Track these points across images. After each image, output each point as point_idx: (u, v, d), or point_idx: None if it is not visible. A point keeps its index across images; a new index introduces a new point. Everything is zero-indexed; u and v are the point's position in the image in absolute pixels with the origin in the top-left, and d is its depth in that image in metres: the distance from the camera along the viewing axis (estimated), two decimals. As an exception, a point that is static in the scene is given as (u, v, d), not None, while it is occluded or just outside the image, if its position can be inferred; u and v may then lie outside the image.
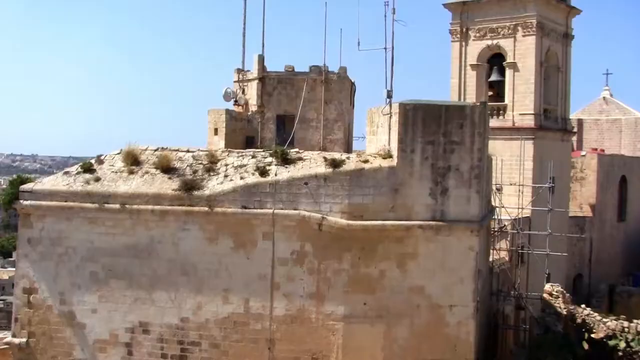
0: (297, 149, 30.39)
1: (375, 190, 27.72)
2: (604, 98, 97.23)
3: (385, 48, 30.59)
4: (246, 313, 28.24)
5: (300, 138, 35.96)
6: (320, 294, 27.93)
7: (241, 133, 36.47)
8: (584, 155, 70.05)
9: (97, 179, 29.72)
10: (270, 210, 27.87)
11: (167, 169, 29.47)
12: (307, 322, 28.04)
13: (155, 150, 30.59)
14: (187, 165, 29.46)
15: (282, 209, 27.89)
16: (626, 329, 39.16)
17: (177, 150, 30.49)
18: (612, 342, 34.95)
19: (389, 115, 28.92)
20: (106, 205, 28.99)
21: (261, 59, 36.75)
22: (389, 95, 30.02)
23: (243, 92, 37.69)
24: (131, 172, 29.75)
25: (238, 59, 38.34)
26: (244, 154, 29.94)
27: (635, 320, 40.71)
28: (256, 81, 36.63)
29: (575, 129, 75.17)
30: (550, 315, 36.47)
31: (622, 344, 34.58)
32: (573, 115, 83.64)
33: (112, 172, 30.00)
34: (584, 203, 66.85)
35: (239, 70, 38.14)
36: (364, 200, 27.71)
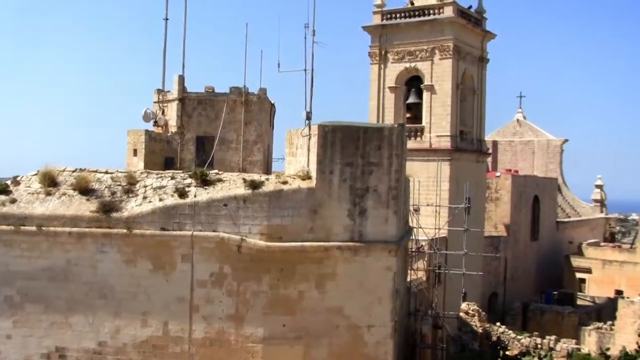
0: (216, 170, 30.34)
1: (294, 211, 27.87)
2: (517, 120, 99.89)
3: (305, 70, 30.92)
4: (165, 336, 27.95)
5: (220, 159, 35.98)
6: (240, 316, 27.88)
7: (161, 154, 36.28)
8: (498, 176, 71.68)
9: (13, 201, 29.10)
10: (190, 232, 27.75)
11: (85, 190, 29.06)
12: (226, 345, 27.93)
13: (74, 172, 30.15)
14: (106, 187, 29.13)
15: (201, 230, 27.78)
16: (539, 346, 40.26)
17: (96, 171, 30.10)
18: (526, 359, 35.79)
19: (308, 136, 29.17)
20: (22, 227, 28.40)
21: (181, 79, 36.71)
22: (308, 117, 30.30)
23: (163, 112, 37.54)
24: (48, 194, 29.24)
25: (158, 80, 38.20)
26: (163, 175, 29.75)
27: (547, 337, 41.92)
28: (176, 102, 36.55)
29: (490, 150, 77.01)
30: (467, 334, 37.17)
31: (536, 361, 35.48)
32: (488, 137, 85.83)
33: (29, 193, 29.43)
34: (498, 223, 68.33)
35: (159, 91, 37.98)
36: (283, 222, 27.82)
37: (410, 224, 37.83)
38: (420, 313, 41.42)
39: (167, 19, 37.54)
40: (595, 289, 74.60)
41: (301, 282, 27.97)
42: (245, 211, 27.80)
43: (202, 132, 36.61)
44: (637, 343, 35.92)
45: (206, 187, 28.54)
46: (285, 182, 28.44)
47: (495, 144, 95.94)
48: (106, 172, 29.98)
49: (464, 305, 40.71)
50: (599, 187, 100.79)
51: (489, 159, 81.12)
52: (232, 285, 27.82)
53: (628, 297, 62.68)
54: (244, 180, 28.59)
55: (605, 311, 65.58)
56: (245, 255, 27.66)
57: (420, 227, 40.41)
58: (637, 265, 71.45)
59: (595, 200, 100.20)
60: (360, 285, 28.35)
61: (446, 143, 56.15)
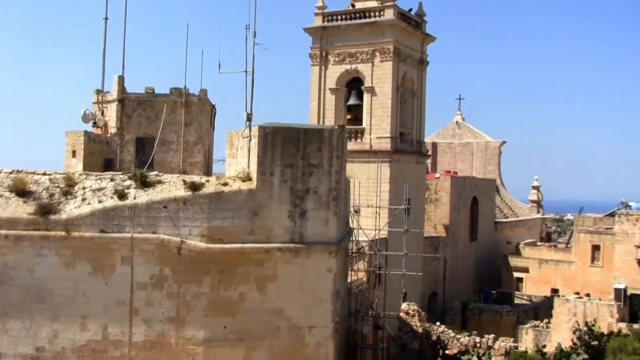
0: (156, 172, 30.21)
1: (234, 213, 27.89)
2: (456, 122, 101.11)
3: (246, 71, 30.90)
4: (105, 340, 27.69)
5: (160, 161, 35.77)
6: (180, 318, 27.79)
7: (100, 155, 35.91)
8: (438, 177, 72.47)
9: (-53, 203, 28.56)
10: (129, 234, 27.56)
11: (22, 192, 28.61)
12: (167, 348, 27.80)
13: (10, 173, 29.65)
14: (44, 189, 28.74)
15: (141, 232, 27.61)
16: (478, 344, 40.82)
17: (33, 173, 29.66)
18: (465, 357, 36.33)
19: (249, 138, 29.21)
20: (-44, 230, 27.87)
21: (121, 80, 36.40)
22: (249, 118, 30.29)
23: (102, 113, 37.17)
24: (-17, 196, 28.74)
25: (98, 80, 37.80)
26: (102, 176, 29.48)
27: (486, 336, 42.53)
28: (116, 103, 36.23)
29: (429, 152, 77.67)
30: (407, 334, 37.56)
31: (475, 359, 35.95)
32: (428, 139, 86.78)
33: (-37, 195, 28.89)
34: (438, 223, 69.09)
35: (99, 92, 37.60)
36: (224, 223, 27.82)
37: (351, 225, 38.05)
38: (360, 314, 41.65)
39: (106, 19, 37.23)
40: (532, 287, 75.90)
41: (242, 283, 28.01)
42: (185, 213, 27.73)
43: (142, 133, 36.34)
44: (572, 340, 36.77)
45: (146, 188, 28.38)
46: (225, 184, 28.44)
47: (434, 145, 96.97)
48: (44, 174, 29.56)
49: (404, 306, 41.11)
50: (536, 188, 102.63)
51: (429, 161, 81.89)
52: (172, 288, 27.72)
53: (563, 296, 63.90)
54: (184, 181, 28.50)
55: (542, 309, 66.79)
56: (186, 257, 27.59)
57: (361, 228, 40.69)
58: (572, 264, 72.88)
59: (532, 201, 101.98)
60: (301, 287, 28.49)
61: (386, 145, 56.54)
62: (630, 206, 72.74)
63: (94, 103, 37.69)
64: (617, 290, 61.31)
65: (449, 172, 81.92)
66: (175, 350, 27.82)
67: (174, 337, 27.81)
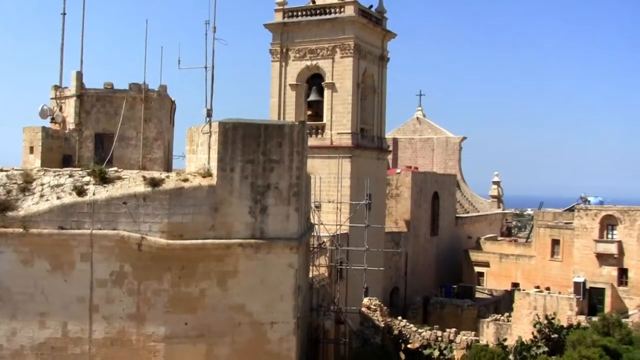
0: (115, 168, 29.96)
1: (195, 209, 27.79)
2: (417, 118, 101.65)
3: (206, 67, 30.75)
4: (64, 337, 27.43)
5: (119, 157, 35.48)
6: (141, 315, 27.62)
7: (58, 151, 35.51)
8: (399, 173, 72.77)
9: None
10: (88, 231, 27.31)
11: (-22, 189, 28.25)
12: (127, 345, 27.62)
13: (-34, 170, 29.28)
14: (1, 185, 28.33)
15: (100, 229, 27.38)
16: (439, 338, 41.06)
17: (-10, 169, 29.32)
18: (426, 351, 36.54)
19: (209, 134, 29.08)
20: None
21: (79, 75, 35.99)
22: (209, 114, 30.15)
23: (60, 109, 36.76)
24: (-62, 193, 28.31)
25: (56, 76, 37.38)
26: (60, 173, 29.17)
27: (447, 330, 42.79)
28: (74, 98, 35.83)
29: (390, 148, 78.07)
30: (369, 328, 37.67)
31: (436, 353, 36.24)
32: (389, 135, 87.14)
33: None
34: (399, 219, 69.42)
35: (57, 87, 37.17)
36: (184, 220, 27.70)
37: (312, 221, 38.10)
38: (322, 309, 41.75)
39: (64, 14, 36.84)
40: (493, 282, 76.63)
41: (203, 280, 27.93)
42: (145, 209, 27.55)
43: (101, 129, 36.00)
44: (533, 333, 37.13)
45: (105, 185, 28.15)
46: (186, 180, 28.32)
47: (395, 141, 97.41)
48: (1, 170, 29.21)
49: (365, 300, 41.23)
50: (496, 183, 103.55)
51: (390, 156, 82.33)
52: (132, 284, 27.54)
53: (524, 290, 64.66)
54: (144, 177, 28.31)
55: (503, 303, 67.49)
56: (146, 254, 27.43)
57: (322, 224, 40.77)
58: (532, 258, 73.69)
59: (493, 196, 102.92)
60: (262, 282, 28.47)
61: (347, 140, 56.70)
62: (589, 201, 73.68)
63: (52, 99, 37.25)
64: (576, 284, 62.19)
65: (410, 167, 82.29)
66: (136, 347, 27.66)
67: (134, 334, 27.64)
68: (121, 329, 27.59)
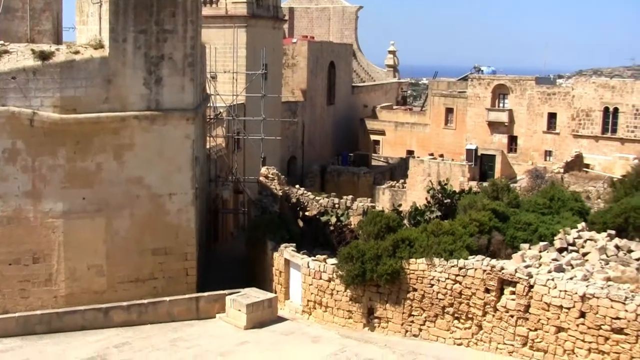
0: (2, 42, 28.81)
1: (87, 82, 27.22)
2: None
3: None
4: (-43, 216, 27.02)
5: (5, 30, 33.95)
6: (37, 192, 27.30)
7: (-62, 25, 33.80)
8: (295, 43, 72.18)
9: None
10: (-24, 107, 26.49)
11: None
12: (25, 222, 27.36)
13: None
14: None
15: (-11, 105, 26.58)
16: (336, 205, 41.96)
17: None
18: (324, 218, 37.22)
19: (99, 3, 28.17)
20: None
21: (-45, -57, 33.97)
22: (97, -17, 29.12)
23: (-64, -20, 34.78)
24: None
25: None
26: (-58, 47, 27.96)
27: (344, 197, 43.69)
28: (-50, -32, 33.89)
29: (286, 17, 77.15)
30: (267, 197, 38.09)
31: (333, 219, 36.95)
32: (284, 4, 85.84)
33: None
34: (295, 88, 69.38)
35: None
36: (77, 93, 27.13)
37: (208, 92, 37.86)
38: (221, 179, 42.09)
39: None
40: (388, 150, 77.92)
41: (98, 154, 27.70)
42: (35, 83, 26.81)
43: (-17, 1, 34.33)
44: (427, 199, 38.12)
45: (-9, 59, 27.11)
46: (77, 52, 27.60)
47: (291, 10, 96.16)
48: None
49: (263, 170, 41.50)
50: (392, 52, 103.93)
51: (286, 26, 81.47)
52: (26, 161, 27.08)
53: (418, 157, 66.15)
54: (33, 51, 27.41)
55: (398, 170, 68.96)
56: (39, 130, 26.90)
57: (218, 94, 40.56)
58: (427, 126, 75.09)
59: (388, 66, 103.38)
60: (159, 155, 28.44)
61: (242, 9, 55.71)
62: (482, 70, 74.98)
63: None
64: (468, 151, 64.05)
65: (306, 37, 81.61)
66: (34, 225, 27.45)
67: (31, 212, 27.39)
68: (17, 207, 27.26)
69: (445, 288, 24.91)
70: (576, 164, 58.04)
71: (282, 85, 63.64)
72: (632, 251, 25.52)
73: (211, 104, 39.25)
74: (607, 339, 21.24)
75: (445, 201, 36.89)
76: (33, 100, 26.79)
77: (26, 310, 27.06)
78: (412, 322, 25.74)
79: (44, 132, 26.98)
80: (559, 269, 23.37)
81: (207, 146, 39.12)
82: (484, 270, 24.00)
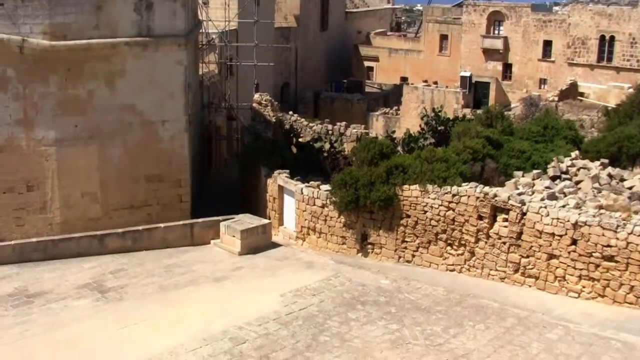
0: (-11, -33, 28.30)
1: (77, 8, 26.78)
2: None
3: None
4: (-49, 144, 26.92)
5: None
6: (29, 120, 27.14)
7: None
8: (288, -33, 71.04)
9: None
10: (-35, 34, 26.15)
11: None
12: (17, 150, 27.27)
13: None
14: None
15: (-23, 32, 26.23)
16: (330, 132, 41.87)
17: None
18: (317, 144, 37.10)
19: None
20: None
21: None
22: None
23: None
24: None
25: None
26: None
27: (338, 123, 43.56)
28: None
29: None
30: (260, 124, 37.99)
31: (327, 145, 36.85)
32: None
33: None
34: (288, 14, 68.54)
35: None
36: (67, 20, 26.72)
37: (200, 18, 37.43)
38: (214, 106, 41.89)
39: None
40: (382, 76, 77.49)
41: (90, 81, 27.48)
42: (24, 10, 26.39)
43: None
44: (420, 125, 38.05)
45: (-22, -16, 26.63)
46: (65, -23, 27.10)
47: None
48: None
49: (256, 96, 41.30)
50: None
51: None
52: (17, 89, 26.85)
53: (412, 84, 65.88)
54: (21, -24, 26.89)
55: (392, 97, 68.69)
56: (29, 57, 26.60)
57: (210, 20, 40.12)
58: (421, 53, 74.55)
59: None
60: (151, 81, 28.23)
61: None
62: (477, -3, 74.19)
63: None
64: (462, 78, 63.81)
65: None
66: (27, 153, 27.38)
67: (24, 140, 27.28)
68: (9, 135, 27.14)
69: (438, 215, 25.02)
70: (571, 92, 57.89)
71: (274, 11, 62.81)
72: (624, 180, 25.63)
73: (203, 30, 38.83)
74: (597, 266, 21.40)
75: (439, 128, 36.84)
76: (22, 27, 26.40)
77: (22, 238, 27.16)
78: (405, 248, 25.93)
79: (34, 59, 26.68)
80: (552, 197, 23.45)
81: (200, 73, 38.83)
82: (477, 197, 24.07)
